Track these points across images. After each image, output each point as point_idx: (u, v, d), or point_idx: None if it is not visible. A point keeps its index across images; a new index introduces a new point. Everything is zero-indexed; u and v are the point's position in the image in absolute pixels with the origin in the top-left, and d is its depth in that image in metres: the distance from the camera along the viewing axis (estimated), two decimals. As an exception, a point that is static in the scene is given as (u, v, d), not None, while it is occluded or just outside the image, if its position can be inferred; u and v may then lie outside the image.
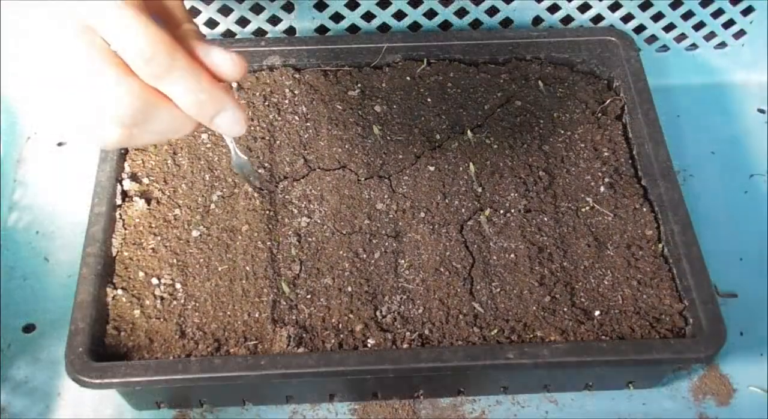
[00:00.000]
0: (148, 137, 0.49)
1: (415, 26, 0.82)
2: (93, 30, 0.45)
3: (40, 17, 0.45)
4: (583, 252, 0.67)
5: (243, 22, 0.81)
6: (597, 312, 0.64)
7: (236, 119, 0.49)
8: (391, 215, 0.69)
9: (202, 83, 0.47)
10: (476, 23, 0.82)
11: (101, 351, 0.61)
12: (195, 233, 0.68)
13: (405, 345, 0.62)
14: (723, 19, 0.83)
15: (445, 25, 0.83)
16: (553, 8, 0.82)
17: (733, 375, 0.68)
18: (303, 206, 0.69)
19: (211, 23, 0.81)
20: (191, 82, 0.46)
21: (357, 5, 0.80)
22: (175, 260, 0.66)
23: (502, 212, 0.69)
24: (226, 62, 0.48)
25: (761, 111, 0.85)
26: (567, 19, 0.82)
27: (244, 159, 0.64)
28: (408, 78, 0.78)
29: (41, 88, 0.48)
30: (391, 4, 0.80)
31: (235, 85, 0.77)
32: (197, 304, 0.64)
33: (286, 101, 0.76)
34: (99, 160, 0.70)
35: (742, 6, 0.82)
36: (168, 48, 0.45)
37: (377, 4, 0.80)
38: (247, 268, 0.66)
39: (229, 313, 0.64)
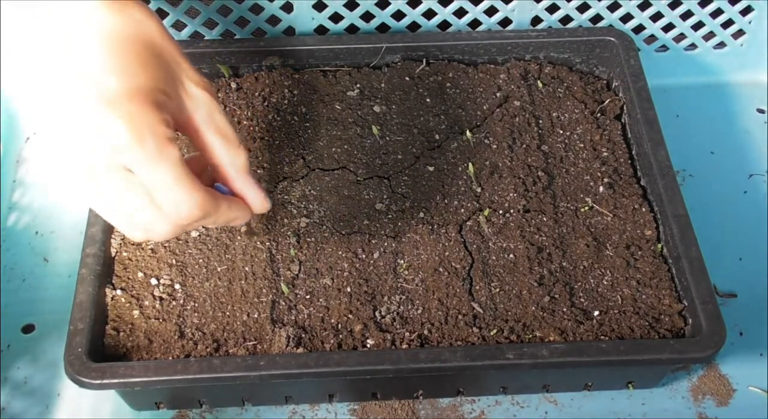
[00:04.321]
0: None
1: (414, 26, 0.82)
2: (129, 171, 0.48)
3: (76, 140, 0.48)
4: (582, 252, 0.67)
5: (242, 22, 0.81)
6: (596, 312, 0.64)
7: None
8: (390, 216, 0.69)
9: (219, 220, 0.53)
10: (475, 23, 0.82)
11: (100, 351, 0.61)
12: (194, 234, 0.68)
13: (404, 346, 0.62)
14: (722, 19, 0.83)
15: (444, 25, 0.82)
16: (552, 8, 0.81)
17: (732, 375, 0.68)
18: (302, 206, 0.69)
19: (211, 23, 0.81)
20: (209, 222, 0.53)
21: (356, 5, 0.80)
22: (174, 261, 0.66)
23: (501, 212, 0.69)
24: (260, 206, 0.56)
25: (761, 111, 0.85)
26: (566, 19, 0.82)
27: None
28: (407, 78, 0.78)
29: (41, 89, 0.48)
30: (390, 4, 0.80)
31: (234, 85, 0.77)
32: (196, 304, 0.64)
33: (286, 101, 0.76)
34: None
35: (741, 6, 0.82)
36: (202, 212, 0.50)
37: (376, 5, 0.80)
38: (246, 268, 0.66)
39: (228, 313, 0.64)
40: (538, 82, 0.78)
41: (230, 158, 0.54)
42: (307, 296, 0.65)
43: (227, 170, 0.54)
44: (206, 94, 0.53)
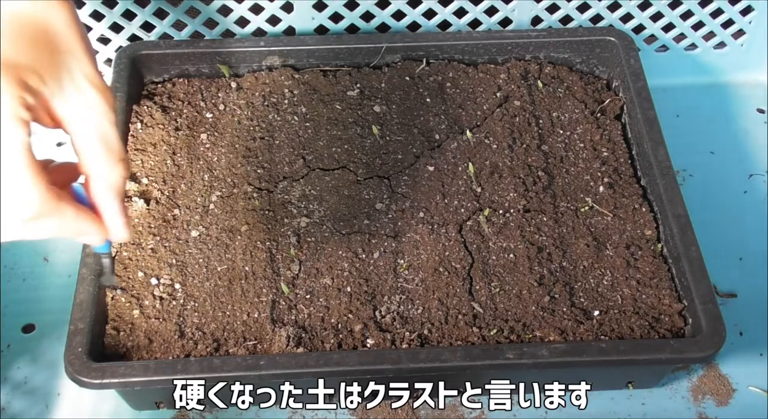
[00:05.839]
0: None
1: (414, 26, 0.82)
2: None
3: None
4: (582, 252, 0.67)
5: (243, 22, 0.81)
6: (596, 312, 0.64)
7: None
8: (390, 215, 0.69)
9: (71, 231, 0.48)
10: (475, 23, 0.82)
11: (100, 351, 0.61)
12: (194, 234, 0.68)
13: (404, 345, 0.62)
14: (722, 19, 0.83)
15: (444, 25, 0.82)
16: (553, 8, 0.81)
17: (732, 375, 0.68)
18: (302, 206, 0.69)
19: (211, 23, 0.81)
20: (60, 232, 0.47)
21: (356, 5, 0.80)
22: (174, 261, 0.66)
23: (501, 212, 0.69)
24: (117, 233, 0.50)
25: (761, 111, 0.85)
26: (566, 19, 0.82)
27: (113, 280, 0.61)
28: (407, 78, 0.78)
29: None
30: (390, 4, 0.80)
31: (234, 85, 0.77)
32: (196, 304, 0.64)
33: (286, 101, 0.76)
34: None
35: (741, 6, 0.82)
36: (39, 208, 0.44)
37: (376, 4, 0.80)
38: (247, 268, 0.66)
39: (228, 313, 0.64)
40: (538, 82, 0.78)
41: (105, 170, 0.49)
42: (307, 296, 0.65)
43: (97, 182, 0.49)
44: (98, 94, 0.48)
